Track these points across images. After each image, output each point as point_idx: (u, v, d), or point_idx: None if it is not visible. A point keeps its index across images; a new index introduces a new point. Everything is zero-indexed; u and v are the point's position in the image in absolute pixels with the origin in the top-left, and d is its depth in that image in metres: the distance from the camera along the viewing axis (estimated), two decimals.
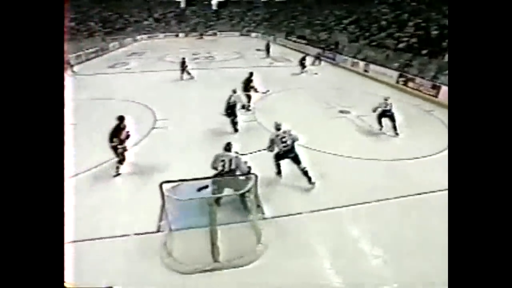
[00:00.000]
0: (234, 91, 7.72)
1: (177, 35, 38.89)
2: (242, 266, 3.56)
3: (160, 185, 3.56)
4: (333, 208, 4.60)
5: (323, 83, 13.37)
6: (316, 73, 14.95)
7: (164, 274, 3.45)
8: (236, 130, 7.65)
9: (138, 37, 34.80)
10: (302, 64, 15.47)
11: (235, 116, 7.63)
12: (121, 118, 5.55)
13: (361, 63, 15.76)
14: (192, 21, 42.76)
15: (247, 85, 9.44)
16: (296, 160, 5.10)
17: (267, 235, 3.96)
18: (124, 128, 5.56)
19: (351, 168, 5.88)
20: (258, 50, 22.65)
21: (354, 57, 17.01)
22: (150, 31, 38.67)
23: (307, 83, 13.25)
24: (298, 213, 4.47)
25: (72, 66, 16.00)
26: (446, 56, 11.44)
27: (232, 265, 3.55)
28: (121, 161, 5.61)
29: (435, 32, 13.95)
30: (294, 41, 26.92)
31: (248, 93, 9.39)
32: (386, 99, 7.47)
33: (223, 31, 40.33)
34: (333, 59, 18.79)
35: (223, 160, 4.27)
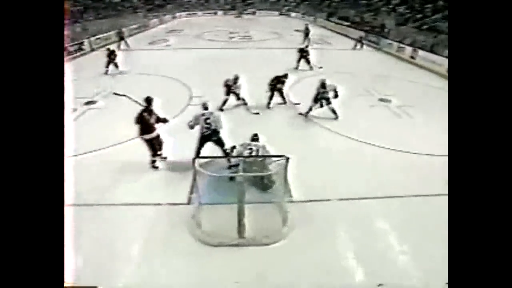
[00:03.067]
0: None
1: (215, 13, 38.73)
2: (266, 244, 3.62)
3: (193, 160, 3.67)
4: (364, 198, 4.45)
5: (363, 69, 12.61)
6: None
7: (192, 244, 3.63)
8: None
9: (177, 15, 35.26)
10: None
11: None
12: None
13: (408, 49, 14.52)
14: None
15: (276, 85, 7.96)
16: (219, 143, 5.15)
17: (294, 218, 3.96)
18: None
19: (386, 159, 5.59)
20: (296, 30, 21.87)
21: (400, 41, 15.71)
22: (189, 8, 38.89)
23: (346, 68, 12.56)
24: (327, 200, 4.40)
25: (123, 39, 16.70)
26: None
27: (256, 243, 3.63)
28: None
29: None
30: (336, 23, 25.51)
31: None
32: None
33: (262, 10, 39.36)
34: (377, 43, 17.56)
35: (250, 148, 4.55)
